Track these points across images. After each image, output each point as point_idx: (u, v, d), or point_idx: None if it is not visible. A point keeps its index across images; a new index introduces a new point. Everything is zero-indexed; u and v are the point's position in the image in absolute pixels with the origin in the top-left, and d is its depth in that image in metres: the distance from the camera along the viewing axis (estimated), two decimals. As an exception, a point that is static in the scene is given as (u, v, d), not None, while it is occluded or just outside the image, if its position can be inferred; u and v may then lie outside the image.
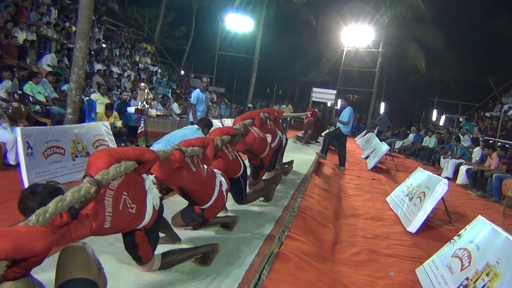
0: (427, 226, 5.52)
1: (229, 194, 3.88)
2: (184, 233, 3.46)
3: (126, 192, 2.18)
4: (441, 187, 5.46)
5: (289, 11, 27.13)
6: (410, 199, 6.11)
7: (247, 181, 5.02)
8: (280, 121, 6.80)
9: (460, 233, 3.92)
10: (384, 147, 11.49)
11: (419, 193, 5.89)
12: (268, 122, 5.58)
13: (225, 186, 3.46)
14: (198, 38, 31.26)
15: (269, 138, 5.11)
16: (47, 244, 1.53)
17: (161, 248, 2.82)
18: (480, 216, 3.85)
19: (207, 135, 4.38)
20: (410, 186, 6.62)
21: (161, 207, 2.57)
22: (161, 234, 3.06)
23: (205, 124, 5.26)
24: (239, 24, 26.33)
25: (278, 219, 4.34)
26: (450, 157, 11.64)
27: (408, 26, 25.65)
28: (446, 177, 8.70)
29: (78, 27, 7.11)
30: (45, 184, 1.83)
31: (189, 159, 3.07)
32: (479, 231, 3.59)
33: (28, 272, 1.67)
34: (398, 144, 17.52)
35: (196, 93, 8.70)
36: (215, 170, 3.48)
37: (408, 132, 18.57)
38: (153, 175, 2.54)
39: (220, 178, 3.44)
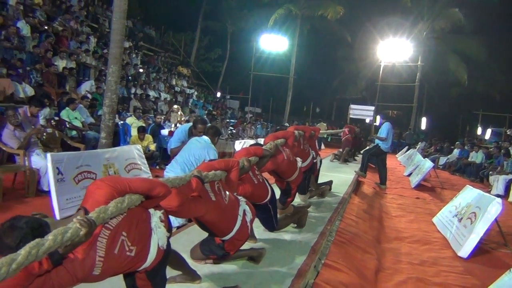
0: (480, 250, 5.02)
1: (257, 220, 3.59)
2: (203, 268, 3.14)
3: (126, 232, 1.84)
4: (494, 207, 4.96)
5: (323, 29, 26.89)
6: (459, 220, 5.62)
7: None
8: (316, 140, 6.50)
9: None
10: (428, 163, 10.90)
11: (469, 213, 5.40)
12: (302, 141, 5.28)
13: (249, 216, 3.09)
14: (233, 60, 31.52)
15: (299, 162, 4.76)
16: None
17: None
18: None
19: (232, 157, 3.97)
20: (458, 205, 6.11)
21: (168, 246, 2.24)
22: (177, 272, 2.79)
23: (214, 133, 4.74)
24: (273, 44, 26.35)
25: (314, 245, 3.97)
26: (500, 173, 10.89)
27: (447, 38, 24.89)
28: (497, 195, 8.09)
29: (110, 51, 7.16)
30: (29, 218, 1.54)
31: (209, 185, 2.75)
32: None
33: None
34: (442, 160, 16.79)
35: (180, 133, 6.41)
36: (239, 198, 3.14)
37: (452, 147, 17.74)
38: (161, 211, 2.17)
39: (244, 207, 3.08)
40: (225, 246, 2.98)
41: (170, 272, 2.67)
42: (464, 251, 4.87)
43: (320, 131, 8.88)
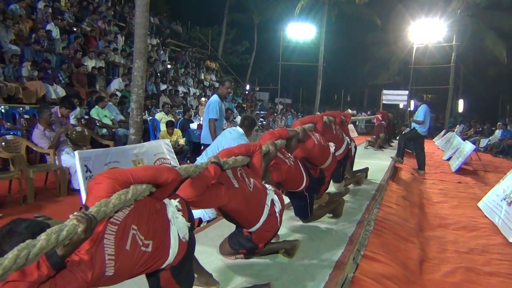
0: (534, 235, 4.64)
1: (287, 212, 3.36)
2: (233, 264, 2.97)
3: (136, 226, 1.65)
4: (548, 188, 4.58)
5: (351, 14, 26.16)
6: (508, 204, 5.23)
7: None
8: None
9: None
10: (469, 146, 10.38)
11: (520, 196, 5.01)
12: (333, 127, 4.99)
13: (278, 206, 2.83)
14: (261, 51, 31.28)
15: (332, 147, 4.42)
16: None
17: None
18: None
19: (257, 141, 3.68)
20: (506, 188, 5.70)
21: (192, 239, 2.03)
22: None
23: (250, 124, 4.47)
24: (301, 32, 25.90)
25: (352, 236, 3.70)
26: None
27: (483, 15, 23.65)
28: (548, 176, 7.58)
29: (135, 46, 7.08)
30: (30, 221, 1.38)
31: (231, 172, 2.56)
32: None
33: None
34: (484, 142, 16.07)
35: (215, 102, 5.80)
36: (266, 186, 2.89)
37: (494, 128, 16.96)
38: (177, 200, 1.96)
39: (272, 196, 2.82)
40: (252, 238, 2.77)
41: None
42: (517, 237, 4.52)
43: (352, 117, 8.54)
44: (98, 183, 1.64)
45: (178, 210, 1.92)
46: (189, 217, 2.02)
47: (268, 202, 2.75)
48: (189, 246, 1.97)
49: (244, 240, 2.81)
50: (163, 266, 1.82)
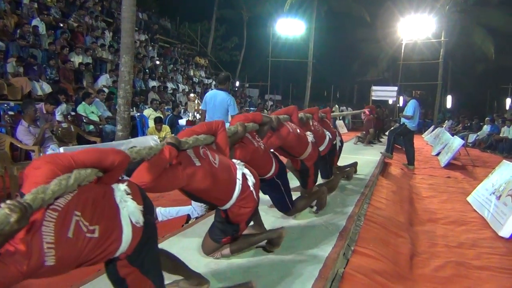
0: (523, 229, 4.65)
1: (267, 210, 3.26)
2: (221, 263, 2.87)
3: (80, 212, 1.50)
4: (537, 182, 4.59)
5: (340, 10, 26.21)
6: (498, 198, 5.24)
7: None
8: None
9: None
10: (458, 141, 10.44)
11: (509, 190, 5.01)
12: (311, 123, 4.89)
13: (251, 180, 2.69)
14: (251, 47, 31.23)
15: (310, 136, 4.27)
16: None
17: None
18: None
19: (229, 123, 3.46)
20: (495, 182, 5.72)
21: (149, 223, 1.83)
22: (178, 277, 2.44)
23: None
24: (290, 28, 25.94)
25: (342, 231, 3.63)
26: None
27: (472, 11, 23.86)
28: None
29: (122, 41, 6.98)
30: None
31: (192, 151, 2.40)
32: None
33: None
34: (472, 137, 16.23)
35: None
36: (234, 161, 2.76)
37: (482, 124, 17.10)
38: (125, 184, 1.78)
39: (243, 170, 2.69)
40: (230, 217, 2.65)
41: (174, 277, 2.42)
42: (506, 231, 4.50)
43: (333, 113, 8.42)
44: (36, 168, 1.48)
45: (127, 194, 1.75)
46: (143, 201, 1.84)
47: (240, 176, 2.64)
48: (145, 230, 1.79)
49: (223, 224, 2.71)
50: (117, 254, 1.68)
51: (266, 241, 3.08)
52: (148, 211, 1.87)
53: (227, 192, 2.54)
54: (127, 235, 1.67)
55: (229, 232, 2.77)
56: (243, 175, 2.67)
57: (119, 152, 1.75)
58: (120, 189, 1.74)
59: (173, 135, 2.33)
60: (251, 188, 2.68)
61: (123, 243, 1.66)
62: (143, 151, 1.98)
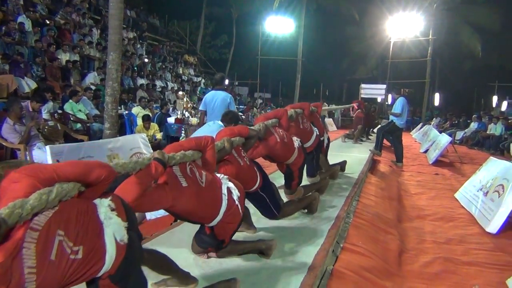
0: (510, 224, 4.67)
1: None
2: (209, 263, 2.86)
3: (63, 230, 1.38)
4: (524, 178, 4.63)
5: (330, 8, 26.30)
6: (485, 194, 5.29)
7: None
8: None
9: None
10: (445, 138, 10.51)
11: (496, 186, 5.06)
12: (301, 120, 4.87)
13: (236, 193, 2.63)
14: (240, 45, 31.13)
15: (296, 141, 4.24)
16: None
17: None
18: None
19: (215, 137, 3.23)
20: (483, 179, 5.77)
21: (133, 240, 1.72)
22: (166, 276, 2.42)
23: (231, 119, 4.09)
24: (279, 26, 25.89)
25: (331, 228, 3.63)
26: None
27: (459, 9, 24.12)
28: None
29: (109, 38, 6.89)
30: None
31: (178, 168, 2.31)
32: None
33: None
34: (459, 134, 16.40)
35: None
36: (219, 175, 2.71)
37: (469, 121, 17.27)
38: (109, 198, 1.66)
39: (228, 184, 2.63)
40: (215, 233, 2.60)
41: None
42: (493, 227, 4.55)
43: (323, 108, 8.42)
44: (15, 182, 1.35)
45: (112, 210, 1.64)
46: (127, 216, 1.74)
47: (225, 191, 2.58)
48: (128, 249, 1.68)
49: (208, 237, 2.66)
50: (99, 274, 1.57)
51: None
52: (132, 227, 1.76)
53: (213, 210, 2.47)
54: (110, 254, 1.57)
55: (213, 245, 2.72)
56: (228, 189, 2.61)
57: (105, 166, 1.66)
58: (104, 205, 1.63)
59: (159, 150, 2.24)
60: (236, 202, 2.62)
61: (106, 262, 1.56)
62: (128, 165, 1.89)
